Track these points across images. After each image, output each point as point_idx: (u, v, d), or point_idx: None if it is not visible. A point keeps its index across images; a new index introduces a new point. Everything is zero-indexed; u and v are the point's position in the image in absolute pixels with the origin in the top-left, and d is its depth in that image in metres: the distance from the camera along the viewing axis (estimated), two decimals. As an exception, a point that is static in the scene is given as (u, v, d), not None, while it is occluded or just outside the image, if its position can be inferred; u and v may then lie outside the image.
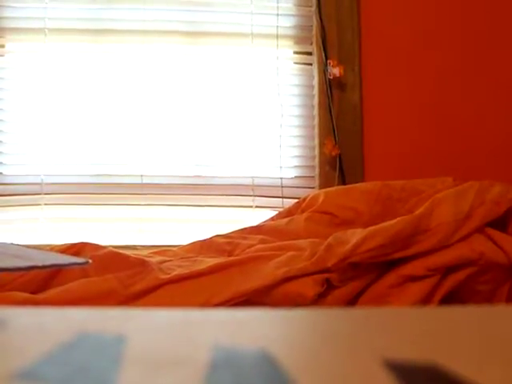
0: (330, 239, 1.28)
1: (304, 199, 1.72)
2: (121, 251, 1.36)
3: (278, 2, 2.04)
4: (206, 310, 0.33)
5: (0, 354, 0.25)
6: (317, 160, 2.01)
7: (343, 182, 1.95)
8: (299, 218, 1.61)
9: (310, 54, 2.06)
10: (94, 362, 0.24)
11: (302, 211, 1.66)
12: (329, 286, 1.22)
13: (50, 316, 0.31)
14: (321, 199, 1.64)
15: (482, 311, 0.35)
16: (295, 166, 2.04)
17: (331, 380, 0.23)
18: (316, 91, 2.02)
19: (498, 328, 0.32)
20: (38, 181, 1.93)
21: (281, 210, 1.81)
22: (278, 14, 2.04)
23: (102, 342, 0.26)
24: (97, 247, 1.36)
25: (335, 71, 1.95)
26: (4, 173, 1.95)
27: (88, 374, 0.22)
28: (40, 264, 0.78)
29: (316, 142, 2.02)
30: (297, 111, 2.05)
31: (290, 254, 1.29)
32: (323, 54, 1.99)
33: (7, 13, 1.98)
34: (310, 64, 2.06)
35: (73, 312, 0.31)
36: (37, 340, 0.27)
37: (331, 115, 1.97)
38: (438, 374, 0.24)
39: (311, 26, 2.05)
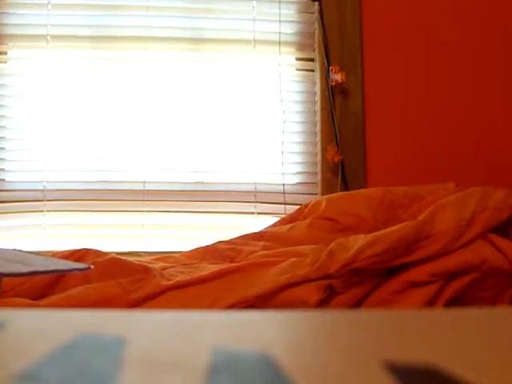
0: (332, 245, 1.28)
1: (306, 205, 1.72)
2: (123, 257, 1.36)
3: (280, 9, 2.05)
4: (206, 312, 0.32)
5: (0, 356, 0.25)
6: (319, 166, 2.01)
7: (345, 188, 1.95)
8: (301, 225, 1.61)
9: (312, 60, 2.07)
10: (94, 363, 0.24)
11: (305, 217, 1.66)
12: (331, 293, 1.22)
13: (50, 318, 0.31)
14: (323, 205, 1.63)
15: (483, 313, 0.35)
16: (297, 173, 2.04)
17: (332, 382, 0.23)
18: (318, 97, 2.02)
19: (499, 330, 0.32)
20: (41, 187, 1.94)
21: (283, 216, 1.81)
22: (280, 21, 2.04)
23: (101, 343, 0.26)
24: (99, 253, 1.36)
25: (337, 77, 1.96)
26: (6, 179, 1.95)
27: (88, 376, 0.22)
28: (42, 269, 0.79)
29: (318, 148, 2.02)
30: (299, 117, 2.05)
31: (292, 260, 1.29)
32: (325, 60, 1.99)
33: (9, 19, 1.99)
34: (312, 70, 2.06)
35: (73, 314, 0.31)
36: (37, 342, 0.26)
37: (333, 121, 1.97)
38: (438, 377, 0.23)
39: (313, 32, 2.06)
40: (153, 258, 1.60)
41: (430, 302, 1.22)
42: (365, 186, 1.94)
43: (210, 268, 1.32)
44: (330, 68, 1.98)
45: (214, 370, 0.23)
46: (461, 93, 2.05)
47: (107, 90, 2.01)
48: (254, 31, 2.05)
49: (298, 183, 2.05)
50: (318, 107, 2.03)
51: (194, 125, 2.02)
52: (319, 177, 2.01)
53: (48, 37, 1.99)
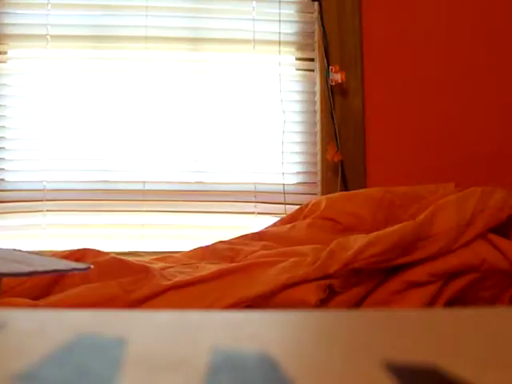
0: (332, 245, 1.28)
1: (306, 205, 1.72)
2: (123, 257, 1.36)
3: (280, 9, 2.04)
4: (206, 312, 0.32)
5: (0, 356, 0.25)
6: (319, 166, 2.01)
7: (345, 187, 1.95)
8: (301, 224, 1.61)
9: (312, 60, 2.07)
10: (94, 363, 0.24)
11: (305, 217, 1.66)
12: (331, 292, 1.22)
13: (50, 318, 0.31)
14: (323, 205, 1.64)
15: (483, 313, 0.35)
16: (297, 172, 2.04)
17: (332, 382, 0.23)
18: (318, 97, 2.02)
19: (500, 330, 0.32)
20: (41, 187, 1.94)
21: (283, 216, 1.81)
22: (280, 21, 2.04)
23: (101, 343, 0.26)
24: (99, 253, 1.36)
25: (337, 77, 1.96)
26: (6, 179, 1.95)
27: (88, 376, 0.22)
28: (42, 269, 0.79)
29: (318, 148, 2.02)
30: (299, 117, 2.05)
31: (292, 260, 1.29)
32: (325, 60, 1.99)
33: (9, 19, 1.99)
34: (312, 70, 2.06)
35: (73, 314, 0.31)
36: (36, 342, 0.26)
37: (333, 121, 1.97)
38: (438, 377, 0.23)
39: (313, 32, 2.06)
40: (153, 257, 1.60)
41: (430, 302, 1.22)
42: (365, 186, 1.94)
43: (210, 268, 1.32)
44: (330, 68, 1.98)
45: (213, 370, 0.23)
46: (461, 93, 2.05)
47: (107, 90, 2.01)
48: (254, 31, 2.05)
49: (297, 183, 2.04)
50: (317, 107, 2.03)
51: (194, 125, 2.02)
52: (319, 177, 2.01)
53: (48, 37, 1.99)
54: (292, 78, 2.07)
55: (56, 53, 2.00)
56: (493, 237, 1.29)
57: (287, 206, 1.97)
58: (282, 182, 2.01)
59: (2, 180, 1.95)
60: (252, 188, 2.00)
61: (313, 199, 1.77)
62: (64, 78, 2.00)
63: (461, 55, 2.06)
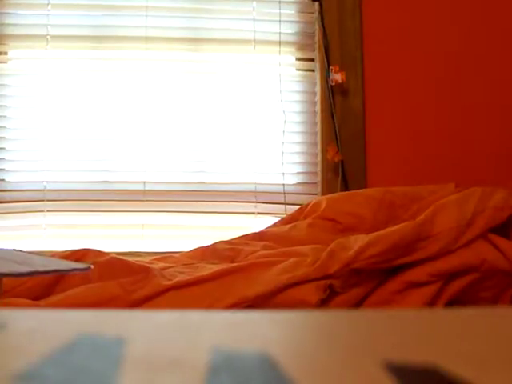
0: (332, 245, 1.28)
1: (307, 205, 1.72)
2: (123, 257, 1.36)
3: (280, 9, 2.04)
4: (206, 312, 0.32)
5: (0, 356, 0.25)
6: (319, 166, 2.01)
7: (346, 188, 1.95)
8: (302, 224, 1.61)
9: (312, 60, 2.07)
10: (94, 363, 0.24)
11: (305, 217, 1.66)
12: (331, 293, 1.22)
13: (50, 318, 0.31)
14: (323, 205, 1.64)
15: (484, 313, 0.35)
16: (298, 173, 2.04)
17: (331, 382, 0.23)
18: (318, 97, 2.02)
19: (500, 330, 0.31)
20: (41, 187, 1.94)
21: (283, 216, 1.81)
22: (280, 21, 2.04)
23: (101, 343, 0.26)
24: (99, 253, 1.36)
25: (337, 77, 1.96)
26: (7, 179, 1.95)
27: (88, 376, 0.22)
28: (42, 269, 0.78)
29: (318, 148, 2.02)
30: (299, 118, 2.05)
31: (292, 260, 1.29)
32: (325, 60, 1.99)
33: (10, 20, 1.99)
34: (313, 70, 2.06)
35: (73, 314, 0.31)
36: (36, 342, 0.26)
37: (334, 121, 1.97)
38: (438, 376, 0.23)
39: (313, 32, 2.06)
40: (153, 258, 1.60)
41: (430, 302, 1.22)
42: (365, 186, 1.94)
43: (210, 268, 1.32)
44: (330, 68, 1.98)
45: (213, 370, 0.23)
46: (461, 93, 2.05)
47: (107, 90, 2.01)
48: (255, 31, 2.05)
49: (298, 183, 2.04)
50: (318, 107, 2.02)
51: (195, 125, 2.02)
52: (319, 177, 2.00)
53: (48, 37, 1.99)
54: (292, 78, 2.07)
55: (56, 53, 2.00)
56: (493, 237, 1.29)
57: (287, 206, 1.97)
58: (283, 183, 2.01)
59: (3, 180, 1.95)
60: (252, 188, 2.00)
61: (313, 199, 1.77)
62: (64, 79, 2.00)
63: (461, 55, 2.06)
